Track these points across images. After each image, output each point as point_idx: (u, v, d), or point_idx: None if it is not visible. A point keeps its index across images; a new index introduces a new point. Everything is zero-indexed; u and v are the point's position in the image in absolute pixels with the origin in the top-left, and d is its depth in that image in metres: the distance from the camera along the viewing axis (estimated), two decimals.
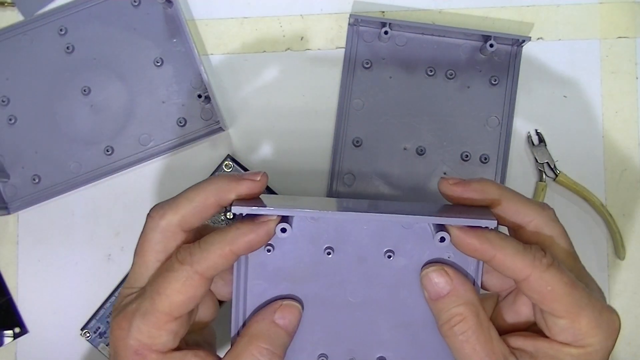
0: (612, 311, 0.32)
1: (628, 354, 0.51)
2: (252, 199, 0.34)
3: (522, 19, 0.52)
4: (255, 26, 0.53)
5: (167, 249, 0.33)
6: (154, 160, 0.52)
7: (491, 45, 0.49)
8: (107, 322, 0.51)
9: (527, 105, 0.52)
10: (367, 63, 0.51)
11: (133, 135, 0.52)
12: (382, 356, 0.35)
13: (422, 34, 0.51)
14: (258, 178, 0.34)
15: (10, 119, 0.52)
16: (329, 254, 0.34)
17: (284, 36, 0.52)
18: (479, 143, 0.50)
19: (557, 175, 0.51)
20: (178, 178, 0.52)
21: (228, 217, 0.50)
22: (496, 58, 0.51)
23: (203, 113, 0.51)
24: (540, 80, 0.52)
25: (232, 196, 0.33)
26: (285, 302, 0.34)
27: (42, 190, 0.52)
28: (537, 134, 0.51)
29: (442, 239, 0.32)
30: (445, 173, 0.50)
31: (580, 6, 0.52)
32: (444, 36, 0.51)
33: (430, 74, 0.51)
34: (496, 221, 0.31)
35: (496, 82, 0.50)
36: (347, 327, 0.35)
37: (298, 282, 0.35)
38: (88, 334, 0.51)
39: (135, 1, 0.52)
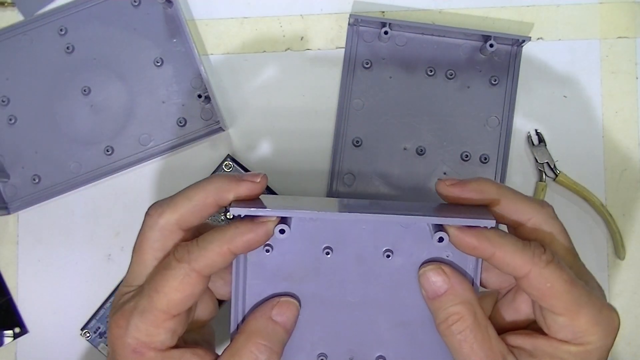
0: (612, 309, 0.32)
1: (628, 354, 0.51)
2: (251, 200, 0.34)
3: (522, 19, 0.52)
4: (255, 26, 0.53)
5: (165, 247, 0.33)
6: (154, 160, 0.52)
7: (491, 45, 0.49)
8: (107, 322, 0.51)
9: (527, 105, 0.51)
10: (367, 63, 0.51)
11: (133, 135, 0.52)
12: (381, 355, 0.35)
13: (422, 34, 0.51)
14: (258, 180, 0.34)
15: (10, 119, 0.52)
16: (327, 253, 0.34)
17: (284, 36, 0.52)
18: (479, 143, 0.50)
19: (557, 175, 0.51)
20: (178, 178, 0.52)
21: (228, 217, 0.50)
22: (496, 58, 0.51)
23: (203, 113, 0.51)
24: (540, 80, 0.52)
25: (231, 196, 0.33)
26: (283, 299, 0.34)
27: (42, 190, 0.52)
28: (537, 134, 0.51)
29: (441, 239, 0.32)
30: (445, 173, 0.50)
31: (580, 6, 0.52)
32: (444, 36, 0.51)
33: (430, 74, 0.51)
34: (494, 220, 0.31)
35: (496, 82, 0.50)
36: (346, 326, 0.35)
37: (297, 282, 0.35)
38: (88, 334, 0.51)
39: (135, 1, 0.52)
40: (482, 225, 0.31)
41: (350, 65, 0.51)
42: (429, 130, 0.51)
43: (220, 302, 0.39)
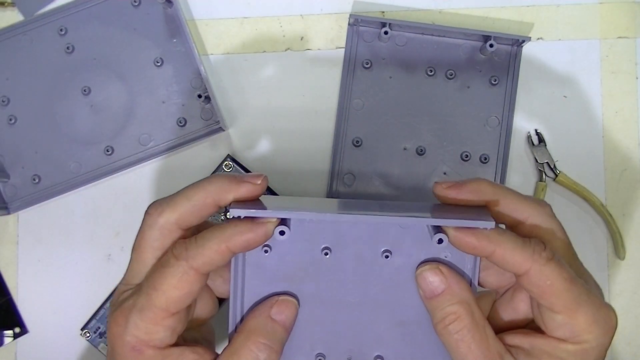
0: (609, 308, 0.32)
1: (628, 354, 0.51)
2: (251, 200, 0.34)
3: (522, 19, 0.52)
4: (255, 26, 0.53)
5: (164, 246, 0.33)
6: (154, 160, 0.52)
7: (491, 45, 0.49)
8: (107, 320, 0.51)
9: (527, 105, 0.51)
10: (367, 63, 0.51)
11: (133, 135, 0.52)
12: (379, 355, 0.35)
13: (422, 34, 0.51)
14: (259, 181, 0.34)
15: (10, 119, 0.52)
16: (326, 254, 0.34)
17: (284, 36, 0.52)
18: (479, 143, 0.50)
19: (557, 175, 0.51)
20: (178, 178, 0.52)
21: (227, 217, 0.50)
22: (496, 58, 0.51)
23: (203, 113, 0.51)
24: (540, 80, 0.52)
25: (231, 197, 0.33)
26: (281, 297, 0.34)
27: (42, 190, 0.52)
28: (537, 134, 0.51)
29: (440, 241, 0.32)
30: (445, 173, 0.50)
31: (580, 6, 0.52)
32: (444, 36, 0.51)
33: (430, 74, 0.51)
34: (494, 222, 0.31)
35: (496, 82, 0.50)
36: (344, 326, 0.35)
37: (296, 282, 0.34)
38: (88, 334, 0.51)
39: (135, 1, 0.52)
40: (482, 227, 0.31)
41: (350, 65, 0.51)
42: (429, 130, 0.51)
43: (221, 302, 0.39)
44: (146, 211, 0.34)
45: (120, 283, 0.35)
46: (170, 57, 0.52)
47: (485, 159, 0.50)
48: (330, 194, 0.51)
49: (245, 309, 0.34)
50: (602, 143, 0.51)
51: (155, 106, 0.52)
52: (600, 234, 0.51)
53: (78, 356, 0.52)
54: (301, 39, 0.52)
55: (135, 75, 0.52)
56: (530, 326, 0.34)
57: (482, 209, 0.34)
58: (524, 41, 0.49)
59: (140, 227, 0.34)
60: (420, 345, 0.35)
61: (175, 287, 0.31)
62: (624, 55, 0.52)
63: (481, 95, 0.51)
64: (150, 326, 0.31)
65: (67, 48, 0.52)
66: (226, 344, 0.34)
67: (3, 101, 0.52)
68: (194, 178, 0.35)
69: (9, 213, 0.52)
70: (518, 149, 0.51)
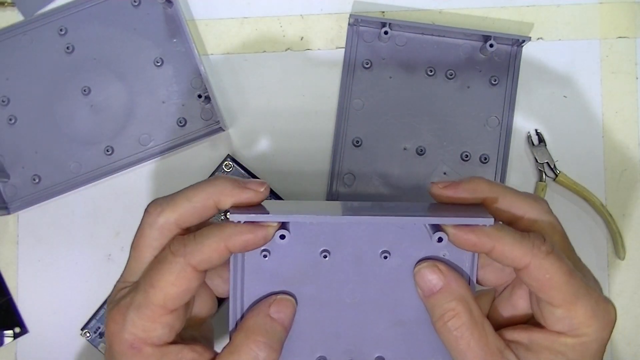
0: (608, 302, 0.32)
1: (628, 354, 0.51)
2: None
3: (522, 19, 0.52)
4: (255, 26, 0.53)
5: (163, 245, 0.33)
6: (154, 160, 0.52)
7: (491, 45, 0.49)
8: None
9: (527, 105, 0.51)
10: (367, 63, 0.51)
11: (133, 135, 0.52)
12: (380, 355, 0.35)
13: (422, 34, 0.51)
14: (262, 189, 0.34)
15: (10, 119, 0.52)
16: (325, 256, 0.34)
17: (284, 36, 0.52)
18: (479, 143, 0.50)
19: (557, 175, 0.51)
20: (178, 178, 0.52)
21: (228, 217, 0.50)
22: (496, 58, 0.51)
23: (203, 113, 0.51)
24: (540, 80, 0.52)
25: (232, 202, 0.33)
26: (279, 296, 0.34)
27: (42, 190, 0.52)
28: (537, 134, 0.51)
29: (440, 239, 0.32)
30: (445, 173, 0.50)
31: (580, 6, 0.52)
32: (444, 36, 0.51)
33: (430, 74, 0.51)
34: (493, 219, 0.31)
35: (496, 82, 0.50)
36: (344, 327, 0.35)
37: (295, 284, 0.34)
38: (88, 334, 0.51)
39: (135, 1, 0.52)
40: (481, 224, 0.31)
41: (350, 65, 0.51)
42: (429, 130, 0.51)
43: (220, 301, 0.39)
44: (146, 210, 0.33)
45: (118, 281, 0.35)
46: (170, 57, 0.52)
47: (485, 159, 0.50)
48: (330, 194, 0.51)
49: (245, 307, 0.34)
50: (602, 143, 0.51)
51: (155, 106, 0.52)
52: (600, 234, 0.51)
53: (78, 356, 0.52)
54: (301, 39, 0.52)
55: (135, 75, 0.52)
56: (530, 322, 0.34)
57: (479, 207, 0.34)
58: (524, 41, 0.49)
59: (140, 226, 0.34)
60: (420, 344, 0.35)
61: (173, 284, 0.31)
62: (624, 55, 0.52)
63: (481, 95, 0.51)
64: (148, 323, 0.31)
65: (67, 48, 0.52)
66: (225, 343, 0.33)
67: (3, 101, 0.52)
68: (194, 178, 0.35)
69: (9, 213, 0.52)
70: (518, 149, 0.51)
